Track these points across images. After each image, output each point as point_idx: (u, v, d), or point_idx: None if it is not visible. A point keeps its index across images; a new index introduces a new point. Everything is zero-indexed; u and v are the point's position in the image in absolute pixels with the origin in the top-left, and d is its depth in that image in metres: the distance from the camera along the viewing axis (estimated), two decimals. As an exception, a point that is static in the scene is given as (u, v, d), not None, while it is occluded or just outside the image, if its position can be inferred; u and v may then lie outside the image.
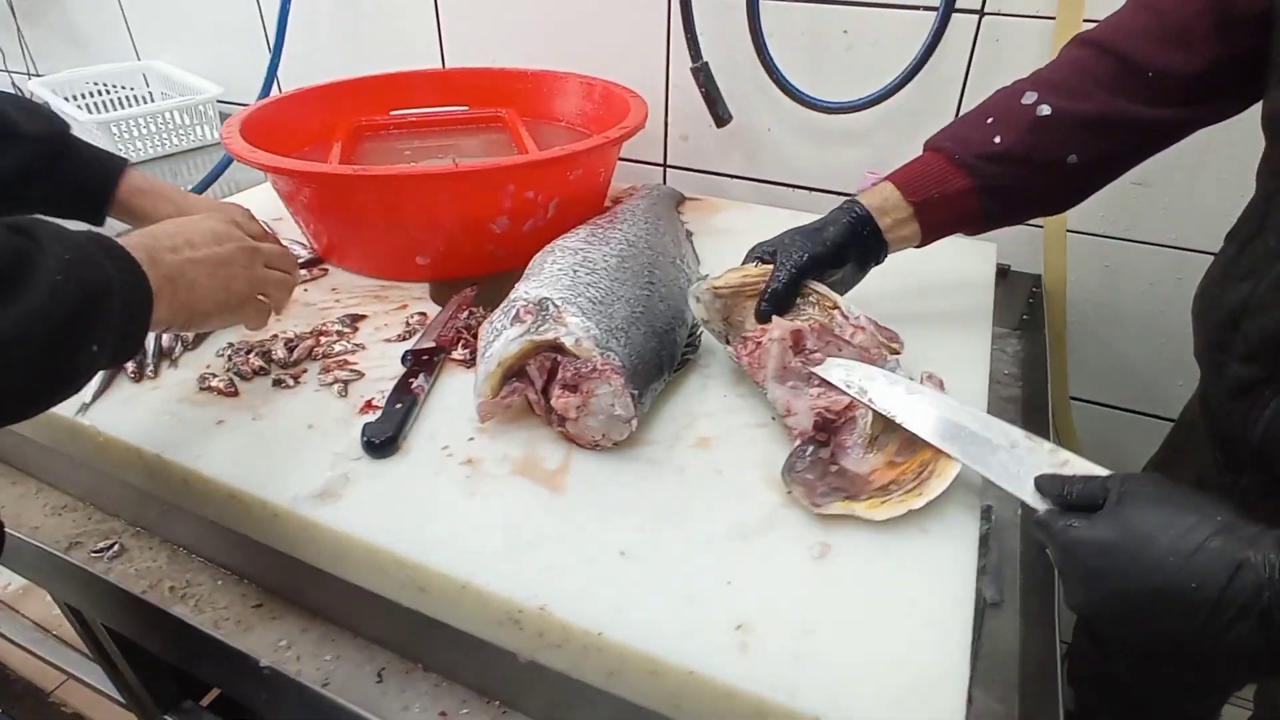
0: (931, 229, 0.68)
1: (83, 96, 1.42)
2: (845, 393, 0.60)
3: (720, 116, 1.03)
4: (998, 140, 0.63)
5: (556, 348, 0.56)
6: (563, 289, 0.59)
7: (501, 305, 0.63)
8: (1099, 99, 0.61)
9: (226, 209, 0.66)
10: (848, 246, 0.67)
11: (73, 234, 0.45)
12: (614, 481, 0.57)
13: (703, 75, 1.01)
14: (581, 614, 0.47)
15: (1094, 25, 0.64)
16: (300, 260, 0.86)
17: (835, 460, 0.59)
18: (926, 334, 0.73)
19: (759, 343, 0.64)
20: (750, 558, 0.51)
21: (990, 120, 0.64)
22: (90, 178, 0.70)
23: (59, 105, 1.27)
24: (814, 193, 1.09)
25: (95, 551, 0.70)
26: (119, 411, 0.65)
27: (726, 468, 0.59)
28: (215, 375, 0.68)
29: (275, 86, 1.21)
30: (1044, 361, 1.05)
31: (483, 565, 0.50)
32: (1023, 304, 1.01)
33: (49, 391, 0.45)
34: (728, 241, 0.94)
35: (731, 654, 0.45)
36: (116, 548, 0.70)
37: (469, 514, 0.54)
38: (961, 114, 0.72)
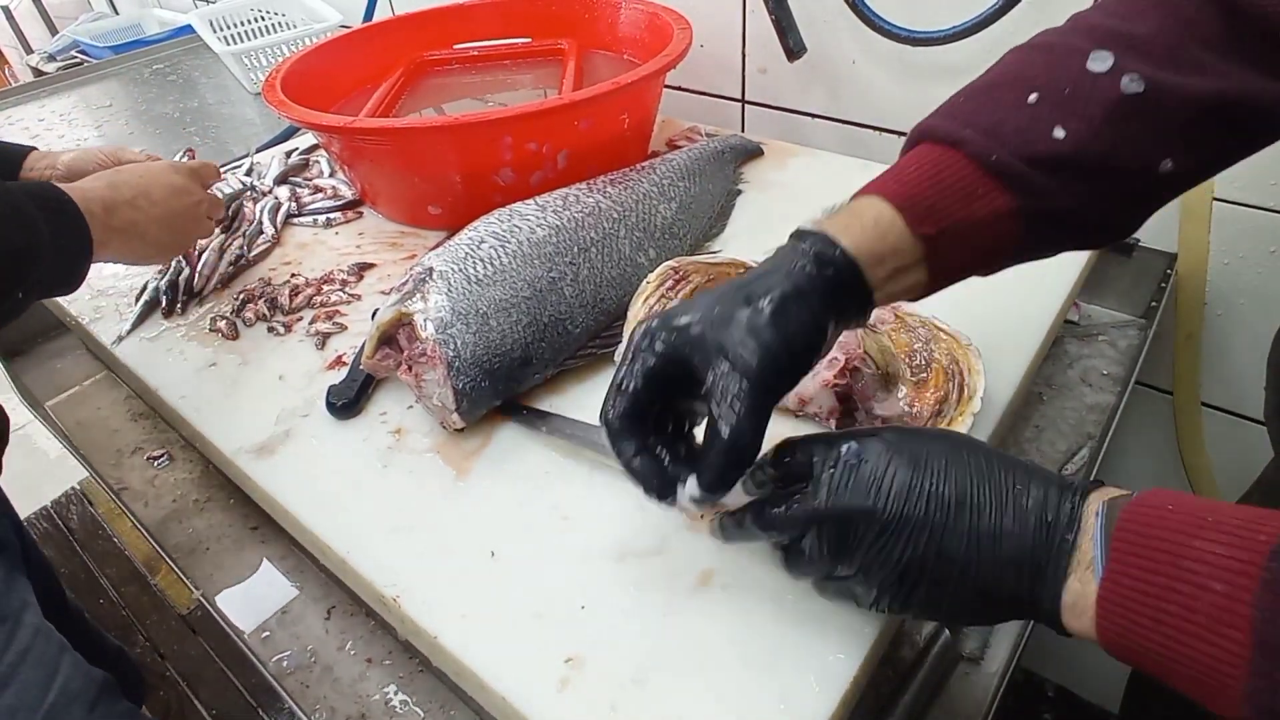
0: (940, 276, 0.43)
1: (242, 23, 1.55)
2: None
3: (792, 49, 0.90)
4: (1060, 135, 0.39)
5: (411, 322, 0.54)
6: (454, 260, 0.57)
7: None
8: (1214, 68, 0.39)
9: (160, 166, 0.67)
10: (821, 330, 0.39)
11: (9, 192, 0.49)
12: (519, 472, 0.55)
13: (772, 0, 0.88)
14: (427, 613, 0.47)
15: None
16: (340, 202, 0.90)
17: (873, 415, 0.55)
18: (969, 304, 0.60)
19: None
20: (620, 582, 0.47)
21: (1035, 98, 0.40)
22: None
23: (207, 36, 1.40)
24: (902, 138, 0.93)
25: (151, 457, 0.81)
26: (144, 345, 0.73)
27: (642, 473, 0.54)
28: (224, 318, 0.73)
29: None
30: (1168, 360, 0.86)
31: (361, 544, 0.51)
32: (1153, 288, 0.82)
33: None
34: (777, 196, 0.85)
35: (548, 688, 0.42)
36: (166, 457, 0.81)
37: (373, 488, 0.55)
38: (974, 81, 0.44)
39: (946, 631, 0.53)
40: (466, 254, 0.57)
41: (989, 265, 0.45)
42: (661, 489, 0.40)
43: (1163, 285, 0.80)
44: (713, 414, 0.38)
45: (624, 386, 0.40)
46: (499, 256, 0.57)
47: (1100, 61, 0.39)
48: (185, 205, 0.61)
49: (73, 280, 0.54)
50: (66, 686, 0.65)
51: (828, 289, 0.39)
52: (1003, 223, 0.41)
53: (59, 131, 1.34)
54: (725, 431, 0.37)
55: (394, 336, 0.57)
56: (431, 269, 0.55)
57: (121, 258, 0.58)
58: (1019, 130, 0.40)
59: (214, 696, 1.65)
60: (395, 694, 0.56)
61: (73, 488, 1.82)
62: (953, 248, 0.41)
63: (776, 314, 0.38)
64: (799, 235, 0.41)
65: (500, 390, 0.56)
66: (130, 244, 0.57)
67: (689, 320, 0.39)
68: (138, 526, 0.73)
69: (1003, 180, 0.40)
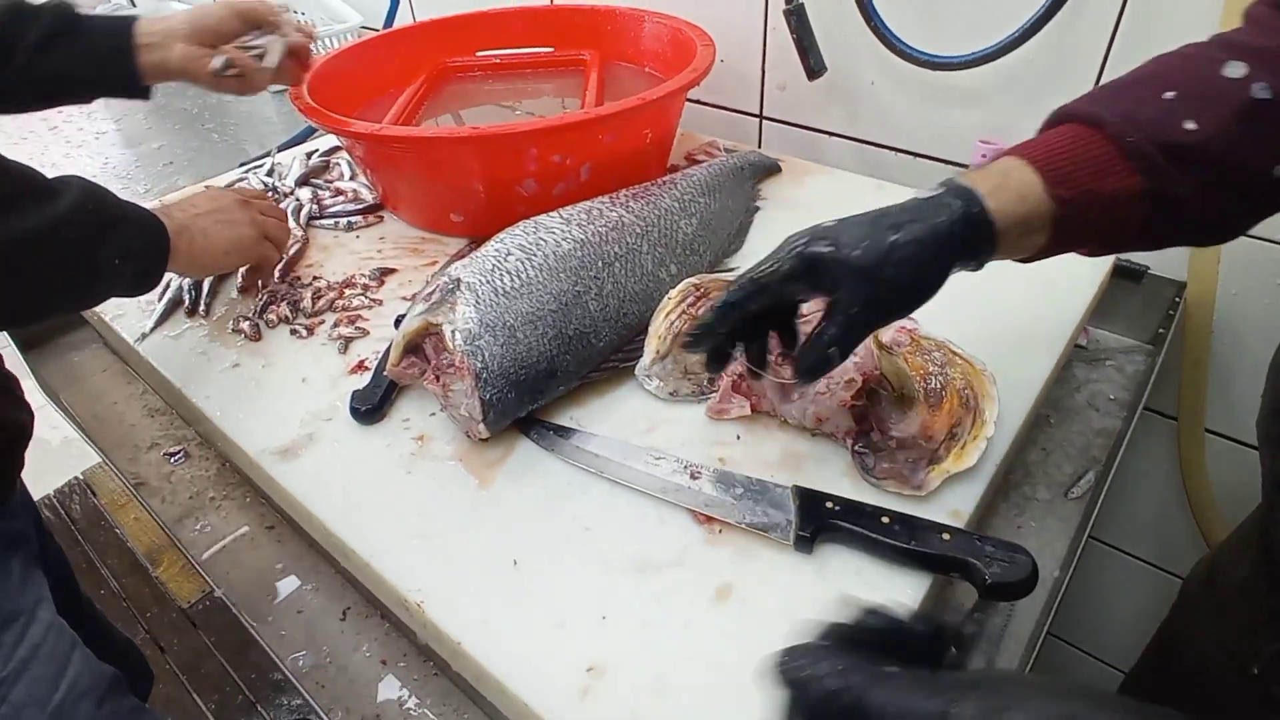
0: (1063, 241, 0.47)
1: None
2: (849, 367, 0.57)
3: (812, 68, 0.91)
4: (1191, 126, 0.43)
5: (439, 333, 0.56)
6: (481, 272, 0.58)
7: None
8: None
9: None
10: (943, 278, 0.46)
11: (91, 184, 0.57)
12: (541, 483, 0.56)
13: (795, 19, 0.89)
14: (451, 618, 0.48)
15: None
16: (361, 206, 0.91)
17: (888, 435, 0.56)
18: (982, 328, 0.62)
19: (736, 378, 0.59)
20: (640, 593, 0.48)
21: (1172, 95, 0.44)
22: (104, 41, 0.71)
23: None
24: (918, 159, 0.95)
25: (167, 454, 0.82)
26: (167, 343, 0.74)
27: (661, 486, 0.55)
28: (246, 319, 0.74)
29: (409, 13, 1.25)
30: (1174, 386, 0.87)
31: (386, 548, 0.52)
32: (1161, 315, 0.83)
33: (81, 286, 0.57)
34: (794, 214, 0.86)
35: (570, 697, 0.43)
36: (182, 454, 0.82)
37: (397, 493, 0.56)
38: (1109, 80, 0.49)
39: (954, 649, 0.54)
40: (494, 266, 0.58)
41: (1106, 244, 0.49)
42: (712, 349, 0.51)
43: (1171, 312, 0.82)
44: (827, 319, 0.46)
45: (758, 277, 0.47)
46: (525, 269, 0.58)
47: (1234, 70, 0.44)
48: (230, 204, 0.65)
49: (156, 266, 0.60)
50: (76, 682, 0.66)
51: (963, 245, 0.45)
52: (1130, 203, 0.45)
53: (78, 124, 1.35)
54: (831, 333, 0.45)
55: (419, 345, 0.58)
56: (459, 280, 0.56)
57: (193, 258, 0.64)
58: (1154, 120, 0.44)
59: (214, 690, 1.64)
60: (409, 696, 0.57)
61: (76, 477, 1.82)
62: (1079, 216, 0.45)
63: (912, 264, 0.44)
64: (950, 188, 0.46)
65: (525, 401, 0.57)
66: (195, 241, 0.63)
67: (836, 241, 0.45)
68: (157, 521, 0.74)
69: (1135, 162, 0.44)
